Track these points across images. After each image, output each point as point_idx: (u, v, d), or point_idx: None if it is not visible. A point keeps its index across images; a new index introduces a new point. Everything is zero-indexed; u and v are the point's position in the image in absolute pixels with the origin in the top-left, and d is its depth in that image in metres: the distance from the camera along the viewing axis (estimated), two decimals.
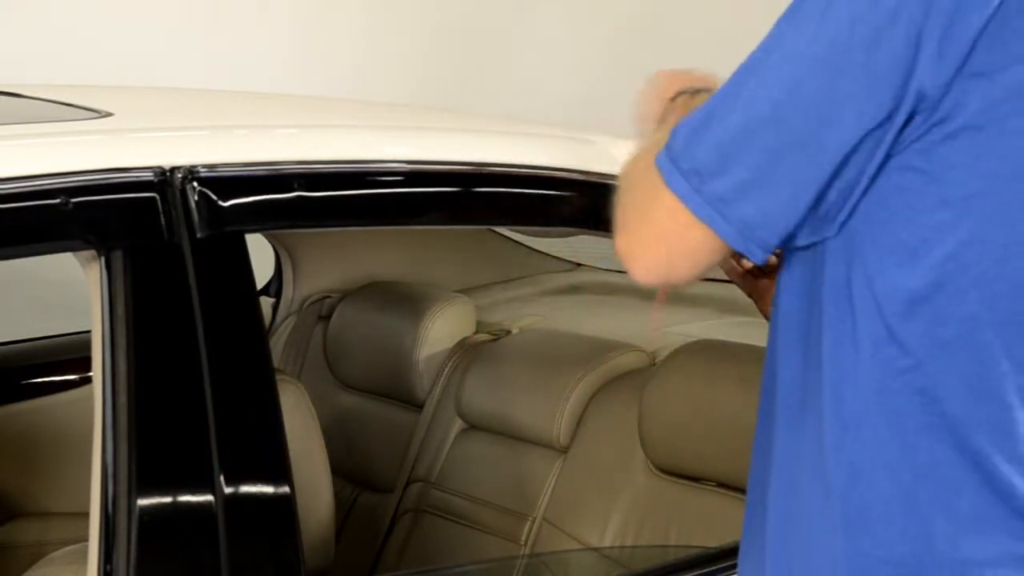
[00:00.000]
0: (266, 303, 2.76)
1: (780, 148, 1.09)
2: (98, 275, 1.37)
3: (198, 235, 1.40)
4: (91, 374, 1.44)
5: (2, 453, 2.42)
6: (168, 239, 1.38)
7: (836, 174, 1.09)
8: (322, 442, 1.74)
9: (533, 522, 2.25)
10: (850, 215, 1.12)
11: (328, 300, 2.73)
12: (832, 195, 1.10)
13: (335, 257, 2.77)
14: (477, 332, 2.56)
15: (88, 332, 1.40)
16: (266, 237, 2.65)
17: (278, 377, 1.46)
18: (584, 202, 1.73)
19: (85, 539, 1.38)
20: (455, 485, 2.41)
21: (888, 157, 1.09)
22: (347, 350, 2.63)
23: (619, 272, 3.10)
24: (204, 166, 1.43)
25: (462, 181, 1.66)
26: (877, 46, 1.06)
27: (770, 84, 1.10)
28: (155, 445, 1.35)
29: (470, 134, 1.87)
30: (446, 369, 2.50)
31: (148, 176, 1.39)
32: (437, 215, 1.73)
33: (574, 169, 1.72)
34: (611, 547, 2.12)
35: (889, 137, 1.08)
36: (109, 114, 1.56)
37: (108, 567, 1.33)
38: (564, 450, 2.26)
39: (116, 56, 3.67)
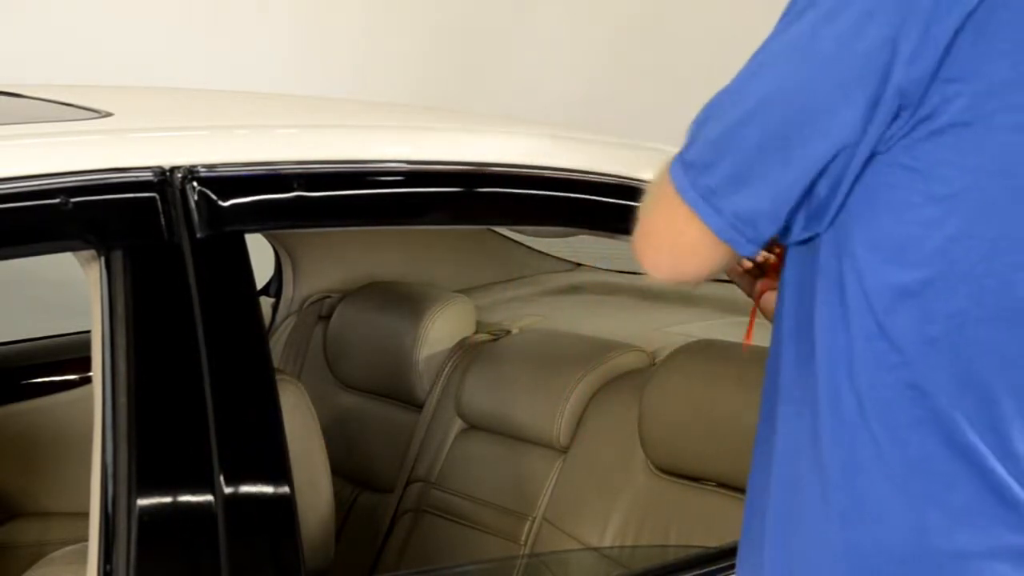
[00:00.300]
0: (266, 303, 2.76)
1: (764, 143, 1.10)
2: (98, 275, 1.36)
3: (198, 235, 1.40)
4: (91, 374, 1.44)
5: (2, 453, 2.42)
6: (168, 239, 1.38)
7: (822, 171, 1.10)
8: (322, 442, 1.74)
9: (533, 522, 2.25)
10: (840, 210, 1.12)
11: (328, 300, 2.72)
12: (821, 190, 1.11)
13: (335, 257, 2.76)
14: (477, 332, 2.56)
15: (88, 332, 1.40)
16: (266, 237, 2.65)
17: (278, 377, 1.46)
18: (586, 202, 1.73)
19: (85, 539, 1.38)
20: (455, 485, 2.41)
21: (875, 154, 1.10)
22: (347, 350, 2.63)
23: (619, 272, 3.10)
24: (204, 166, 1.42)
25: (462, 181, 1.66)
26: (854, 44, 1.07)
27: (759, 80, 1.11)
28: (155, 445, 1.35)
29: (470, 134, 1.86)
30: (446, 369, 2.50)
31: (148, 176, 1.39)
32: (437, 215, 1.73)
33: (574, 169, 1.72)
34: (611, 547, 2.12)
35: (873, 133, 1.08)
36: (109, 114, 1.56)
37: (108, 567, 1.33)
38: (564, 450, 2.26)
39: (116, 56, 3.67)
